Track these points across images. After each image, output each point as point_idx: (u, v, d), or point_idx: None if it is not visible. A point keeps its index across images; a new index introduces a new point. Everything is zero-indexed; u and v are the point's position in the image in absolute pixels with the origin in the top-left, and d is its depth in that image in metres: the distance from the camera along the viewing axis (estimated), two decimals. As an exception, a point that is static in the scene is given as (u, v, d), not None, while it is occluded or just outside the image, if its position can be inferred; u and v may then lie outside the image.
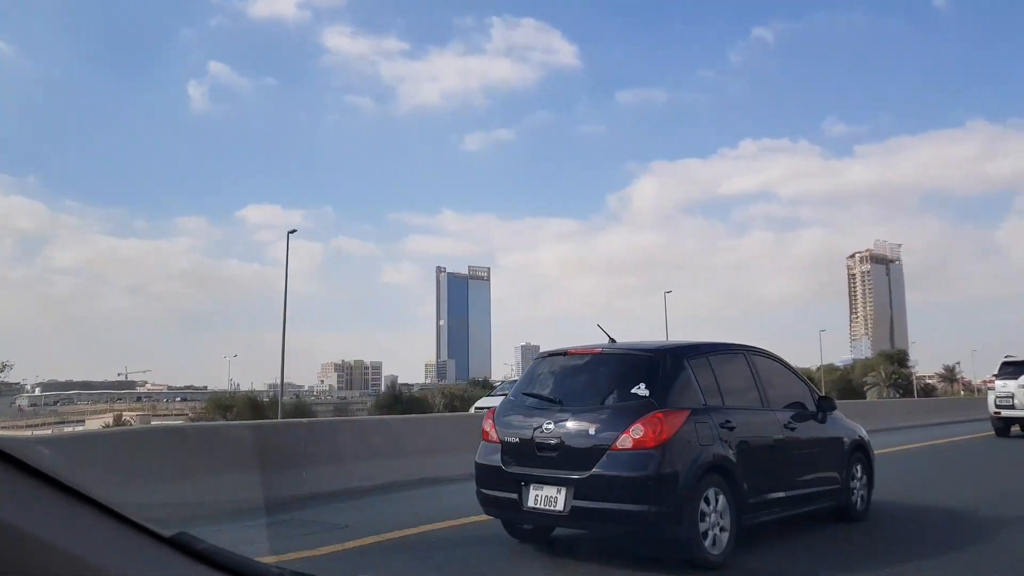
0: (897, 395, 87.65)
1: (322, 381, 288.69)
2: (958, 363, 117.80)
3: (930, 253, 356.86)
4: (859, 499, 7.24)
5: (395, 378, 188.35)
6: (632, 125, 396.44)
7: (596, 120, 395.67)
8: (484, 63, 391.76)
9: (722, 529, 5.44)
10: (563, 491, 5.38)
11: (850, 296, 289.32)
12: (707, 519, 5.35)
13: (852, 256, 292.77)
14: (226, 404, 52.30)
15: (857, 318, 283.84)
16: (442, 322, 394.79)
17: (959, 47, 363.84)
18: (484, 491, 6.01)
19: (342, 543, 6.04)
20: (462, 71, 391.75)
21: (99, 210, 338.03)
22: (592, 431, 5.48)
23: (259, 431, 9.68)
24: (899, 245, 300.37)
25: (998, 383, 17.87)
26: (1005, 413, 17.60)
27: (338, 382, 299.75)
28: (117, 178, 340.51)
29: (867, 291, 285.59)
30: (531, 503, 5.53)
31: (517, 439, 5.79)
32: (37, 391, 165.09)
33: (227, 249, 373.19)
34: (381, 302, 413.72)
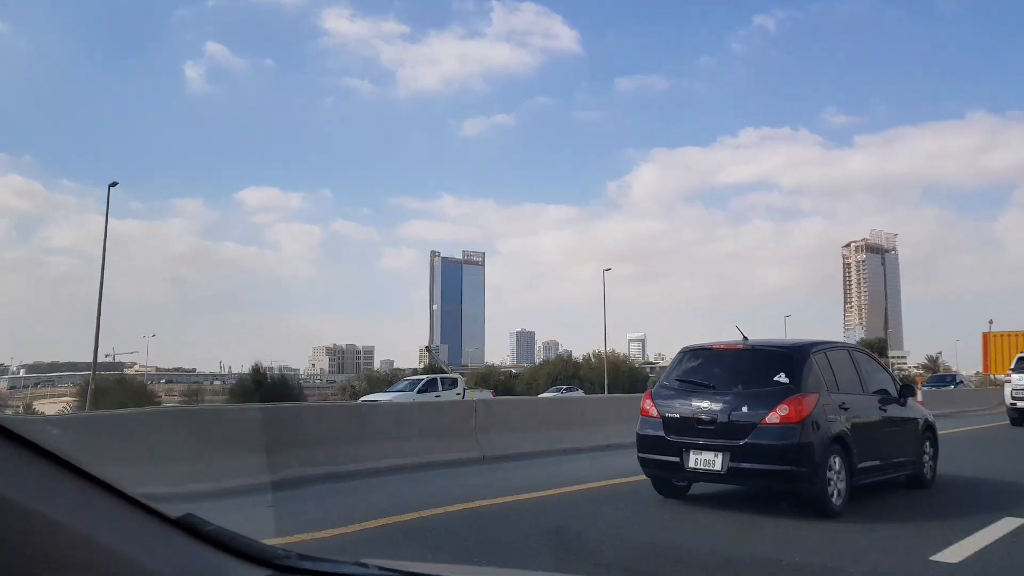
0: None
1: (313, 365, 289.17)
2: (939, 353, 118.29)
3: (929, 244, 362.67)
4: (928, 470, 8.81)
5: (391, 362, 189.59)
6: (632, 112, 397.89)
7: (596, 106, 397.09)
8: (484, 48, 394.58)
9: (840, 487, 7.01)
10: (720, 456, 6.93)
11: (845, 285, 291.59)
12: (831, 479, 6.92)
13: (847, 245, 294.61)
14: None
15: (851, 308, 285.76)
16: (435, 307, 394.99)
17: (959, 38, 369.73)
18: (646, 456, 7.58)
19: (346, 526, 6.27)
20: (462, 55, 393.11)
21: (96, 190, 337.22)
22: (745, 409, 6.98)
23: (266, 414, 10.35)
24: (895, 235, 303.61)
25: (1014, 376, 19.90)
26: (1020, 404, 19.51)
27: (329, 366, 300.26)
28: (113, 159, 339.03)
29: (862, 280, 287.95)
30: (692, 465, 7.10)
31: (678, 415, 7.35)
32: (22, 372, 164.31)
33: (225, 231, 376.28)
34: (379, 286, 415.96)
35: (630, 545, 6.21)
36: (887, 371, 8.97)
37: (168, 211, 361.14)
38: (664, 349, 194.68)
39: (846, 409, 7.38)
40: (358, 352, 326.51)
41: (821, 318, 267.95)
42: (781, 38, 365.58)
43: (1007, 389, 20.14)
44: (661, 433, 7.41)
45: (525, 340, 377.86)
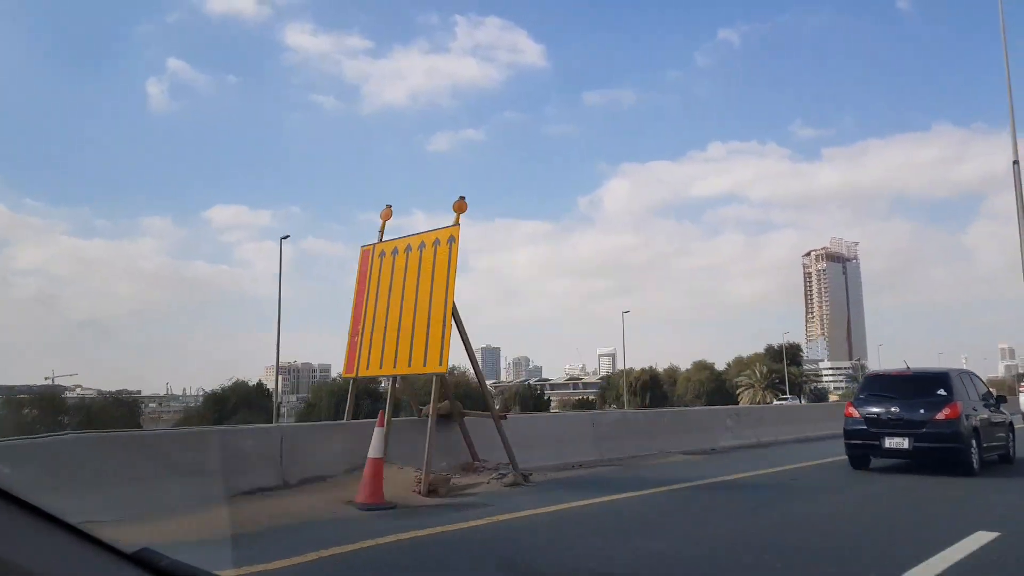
0: (776, 398, 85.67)
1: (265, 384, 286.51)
2: (859, 360, 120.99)
3: (898, 256, 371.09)
4: (1012, 452, 13.57)
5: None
6: (600, 126, 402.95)
7: (564, 121, 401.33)
8: (450, 62, 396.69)
9: (976, 458, 11.69)
10: (907, 439, 11.64)
11: (806, 295, 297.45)
12: (973, 453, 11.64)
13: (808, 254, 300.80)
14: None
15: (813, 318, 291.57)
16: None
17: (924, 51, 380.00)
18: (852, 441, 12.29)
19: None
20: (428, 70, 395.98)
21: (63, 210, 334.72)
22: (921, 411, 11.69)
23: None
24: (856, 243, 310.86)
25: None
26: None
27: (283, 385, 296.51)
28: (79, 177, 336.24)
29: (823, 290, 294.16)
30: (887, 446, 11.83)
31: (875, 415, 12.08)
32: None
33: (194, 250, 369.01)
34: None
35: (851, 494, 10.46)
36: (987, 387, 13.89)
37: (136, 230, 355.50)
38: (634, 363, 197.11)
39: (975, 411, 12.20)
40: (314, 370, 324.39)
41: (785, 328, 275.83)
42: (746, 52, 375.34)
43: (1021, 399, 23.79)
44: (864, 427, 12.15)
45: (490, 357, 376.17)
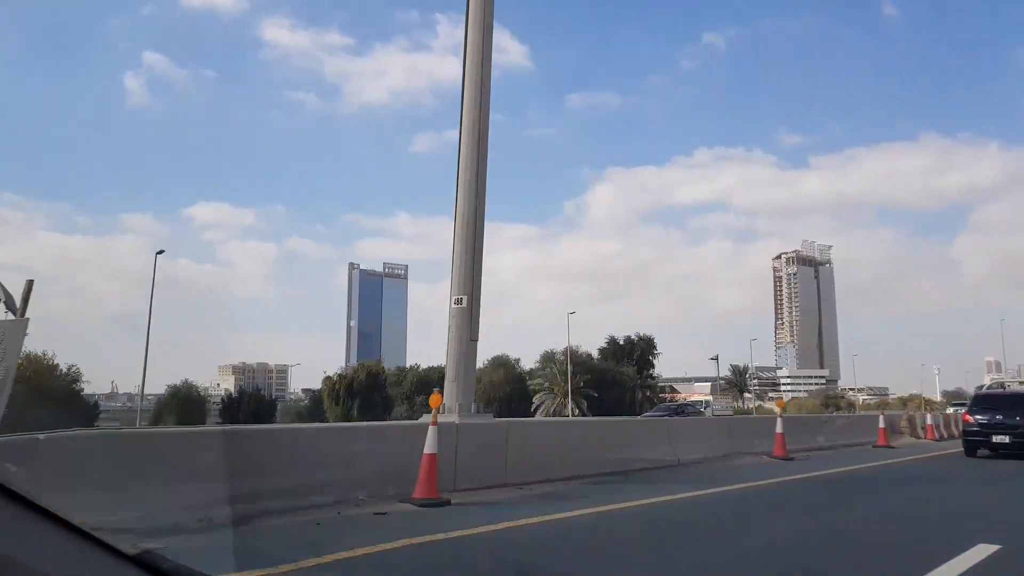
0: (581, 411, 73.61)
1: (218, 385, 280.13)
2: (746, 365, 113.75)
3: (884, 266, 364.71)
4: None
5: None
6: (585, 130, 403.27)
7: (548, 123, 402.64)
8: (431, 61, 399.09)
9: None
10: (1008, 436, 17.56)
11: (776, 300, 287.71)
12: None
13: (778, 257, 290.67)
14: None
15: (783, 324, 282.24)
16: (352, 323, 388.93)
17: (910, 58, 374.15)
18: (968, 438, 18.56)
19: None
20: (409, 69, 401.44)
21: (43, 204, 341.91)
22: (1017, 418, 17.65)
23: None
24: (829, 246, 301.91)
25: None
26: None
27: (235, 385, 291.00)
28: (57, 172, 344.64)
29: (793, 295, 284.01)
30: (994, 440, 17.77)
31: (985, 420, 18.11)
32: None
33: (177, 249, 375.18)
34: (330, 305, 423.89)
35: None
36: None
37: (117, 227, 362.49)
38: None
39: None
40: (270, 371, 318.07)
41: (754, 335, 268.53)
42: (731, 56, 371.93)
43: None
44: (977, 429, 18.19)
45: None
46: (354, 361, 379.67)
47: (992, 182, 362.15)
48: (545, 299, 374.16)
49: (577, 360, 79.90)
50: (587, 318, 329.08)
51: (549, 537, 7.72)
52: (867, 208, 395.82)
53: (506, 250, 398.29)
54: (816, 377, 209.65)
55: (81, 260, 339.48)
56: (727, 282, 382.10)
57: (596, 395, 75.87)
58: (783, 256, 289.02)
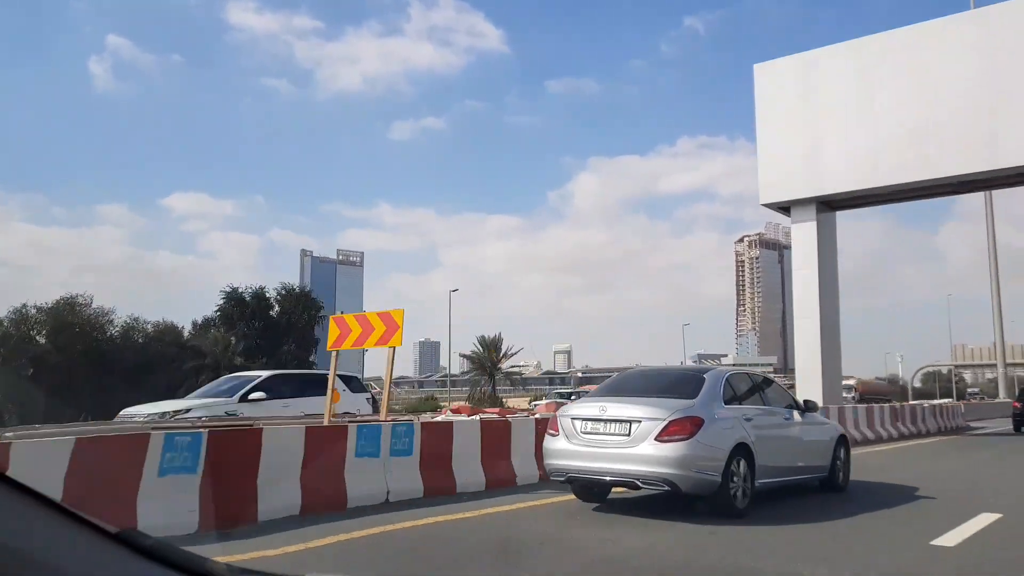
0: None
1: None
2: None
3: (870, 257, 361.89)
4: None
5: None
6: (565, 117, 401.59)
7: (528, 111, 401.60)
8: (405, 46, 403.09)
9: None
10: None
11: (738, 285, 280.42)
12: None
13: (741, 240, 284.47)
14: None
15: (744, 310, 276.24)
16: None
17: None
18: (1016, 417, 29.63)
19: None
20: (383, 54, 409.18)
21: (18, 196, 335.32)
22: None
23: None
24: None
25: None
26: None
27: None
28: (28, 162, 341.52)
29: (756, 280, 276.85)
30: None
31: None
32: None
33: (156, 240, 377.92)
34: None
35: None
36: None
37: (93, 218, 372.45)
38: (591, 361, 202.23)
39: None
40: None
41: (717, 326, 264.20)
42: (712, 40, 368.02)
43: None
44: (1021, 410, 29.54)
45: (429, 351, 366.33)
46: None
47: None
48: (531, 290, 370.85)
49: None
50: (574, 309, 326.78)
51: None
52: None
53: (490, 241, 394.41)
54: (763, 364, 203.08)
55: (61, 251, 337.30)
56: (713, 272, 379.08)
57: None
58: (745, 239, 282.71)
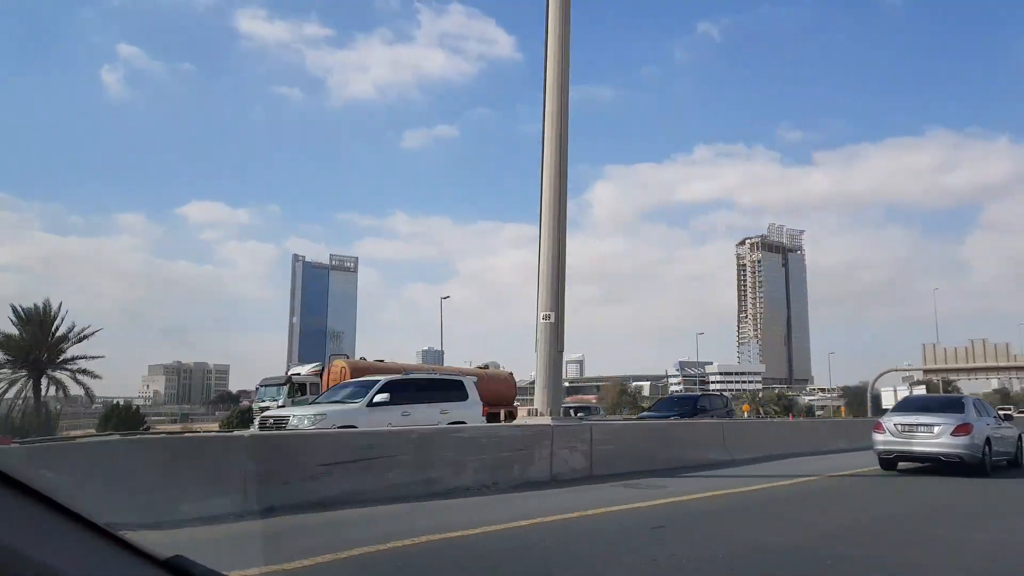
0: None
1: (147, 387, 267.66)
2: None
3: (896, 267, 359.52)
4: None
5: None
6: (579, 125, 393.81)
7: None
8: (416, 53, 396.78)
9: None
10: None
11: (739, 291, 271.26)
12: None
13: (742, 243, 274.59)
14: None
15: (747, 318, 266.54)
16: (295, 319, 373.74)
17: (911, 47, 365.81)
18: None
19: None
20: (394, 62, 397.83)
21: (36, 205, 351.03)
22: None
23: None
24: (801, 231, 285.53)
25: None
26: None
27: (166, 388, 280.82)
28: (45, 171, 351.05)
29: (758, 284, 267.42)
30: None
31: None
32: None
33: (172, 249, 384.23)
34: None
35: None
36: None
37: (111, 227, 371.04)
38: (603, 371, 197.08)
39: None
40: (208, 371, 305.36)
41: (720, 334, 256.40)
42: (727, 47, 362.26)
43: None
44: None
45: (433, 359, 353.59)
46: (295, 361, 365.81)
47: (1003, 177, 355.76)
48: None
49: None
50: (591, 319, 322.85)
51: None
52: (877, 206, 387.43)
53: (507, 250, 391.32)
54: (751, 374, 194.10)
55: (79, 259, 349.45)
56: (729, 281, 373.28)
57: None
58: (747, 242, 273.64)
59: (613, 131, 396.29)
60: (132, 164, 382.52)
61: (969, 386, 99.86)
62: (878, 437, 16.24)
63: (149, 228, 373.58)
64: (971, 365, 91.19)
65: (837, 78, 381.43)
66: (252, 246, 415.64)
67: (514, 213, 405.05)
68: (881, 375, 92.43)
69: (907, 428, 15.89)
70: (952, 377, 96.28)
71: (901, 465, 16.57)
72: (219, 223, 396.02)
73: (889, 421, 16.37)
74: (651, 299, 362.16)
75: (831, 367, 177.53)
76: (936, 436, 15.55)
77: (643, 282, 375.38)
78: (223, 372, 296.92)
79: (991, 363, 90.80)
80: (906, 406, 17.88)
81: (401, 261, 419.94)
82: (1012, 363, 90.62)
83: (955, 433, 15.34)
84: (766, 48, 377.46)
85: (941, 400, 20.36)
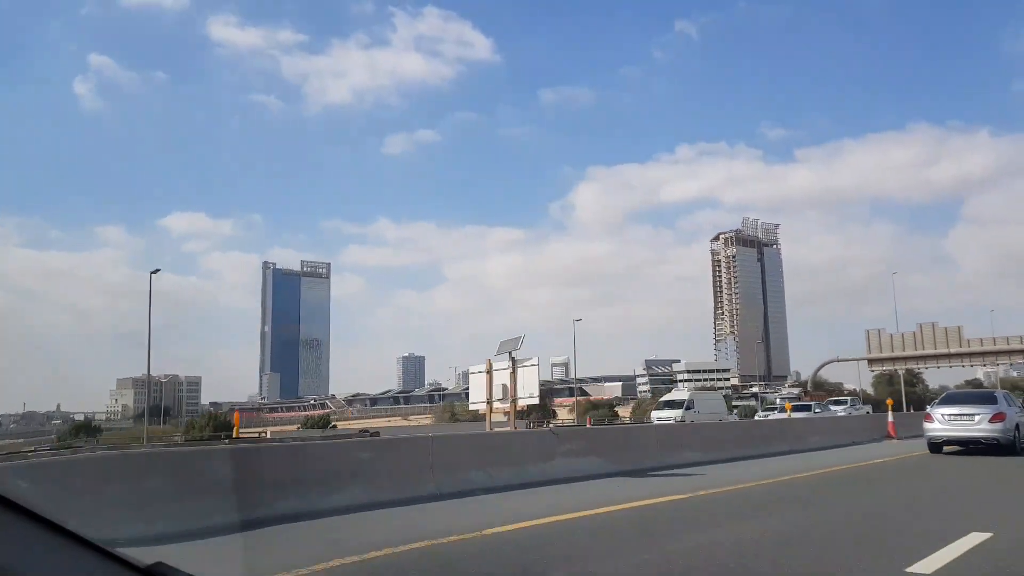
0: None
1: (115, 401, 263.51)
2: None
3: (883, 263, 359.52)
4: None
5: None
6: (560, 127, 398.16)
7: (522, 121, 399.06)
8: (393, 57, 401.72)
9: None
10: None
11: (715, 287, 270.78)
12: None
13: (717, 238, 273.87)
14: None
15: (722, 314, 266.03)
16: (267, 328, 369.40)
17: (889, 43, 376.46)
18: None
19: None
20: (370, 66, 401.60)
21: (12, 219, 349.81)
22: None
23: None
24: (776, 225, 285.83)
25: None
26: None
27: (135, 401, 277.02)
28: (21, 185, 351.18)
29: (733, 280, 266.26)
30: None
31: None
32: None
33: (155, 261, 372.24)
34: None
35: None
36: None
37: (92, 240, 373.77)
38: (589, 372, 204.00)
39: None
40: (180, 383, 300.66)
41: (693, 331, 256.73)
42: (705, 46, 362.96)
43: None
44: None
45: (413, 366, 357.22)
46: (269, 369, 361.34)
47: (984, 170, 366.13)
48: (537, 304, 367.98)
49: None
50: (582, 321, 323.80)
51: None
52: (861, 202, 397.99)
53: (493, 255, 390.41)
54: (720, 371, 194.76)
55: (62, 274, 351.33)
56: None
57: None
58: (721, 236, 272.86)
59: (595, 132, 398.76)
60: (111, 176, 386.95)
61: (938, 375, 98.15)
62: (928, 426, 19.96)
63: (131, 241, 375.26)
64: (919, 352, 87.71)
65: (817, 75, 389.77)
66: (236, 256, 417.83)
67: (500, 216, 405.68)
68: (824, 364, 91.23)
69: (953, 417, 19.63)
70: (919, 367, 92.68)
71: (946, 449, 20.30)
72: (202, 234, 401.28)
73: (937, 412, 20.00)
74: (639, 299, 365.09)
75: (812, 364, 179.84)
76: (977, 423, 19.31)
77: (631, 283, 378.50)
78: (194, 384, 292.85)
79: (941, 350, 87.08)
80: (949, 400, 21.29)
81: (387, 268, 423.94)
82: (965, 349, 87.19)
83: (992, 420, 19.08)
84: (745, 46, 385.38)
85: (976, 394, 25.15)
